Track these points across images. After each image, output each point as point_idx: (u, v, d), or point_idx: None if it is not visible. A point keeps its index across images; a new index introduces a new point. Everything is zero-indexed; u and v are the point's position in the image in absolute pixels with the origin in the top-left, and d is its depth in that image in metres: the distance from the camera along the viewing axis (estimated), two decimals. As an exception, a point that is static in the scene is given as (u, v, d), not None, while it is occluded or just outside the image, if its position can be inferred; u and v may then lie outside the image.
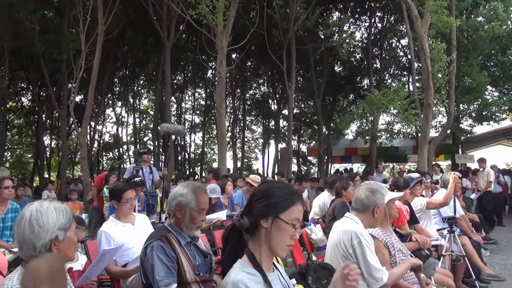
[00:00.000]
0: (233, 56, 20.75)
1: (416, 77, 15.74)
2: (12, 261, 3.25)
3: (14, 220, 4.42)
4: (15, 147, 31.12)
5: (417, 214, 5.23)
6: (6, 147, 26.12)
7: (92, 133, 25.97)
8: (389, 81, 23.47)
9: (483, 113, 17.82)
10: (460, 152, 18.46)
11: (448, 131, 16.54)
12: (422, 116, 12.90)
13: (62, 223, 1.84)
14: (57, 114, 22.83)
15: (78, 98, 21.03)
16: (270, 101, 28.83)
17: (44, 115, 24.20)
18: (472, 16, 16.20)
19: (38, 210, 1.81)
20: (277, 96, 27.44)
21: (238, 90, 28.76)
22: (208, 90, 28.51)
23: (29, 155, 32.04)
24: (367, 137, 19.79)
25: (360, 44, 23.21)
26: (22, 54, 18.47)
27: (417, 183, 5.30)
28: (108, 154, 33.44)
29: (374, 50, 22.57)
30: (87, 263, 3.21)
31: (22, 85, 25.33)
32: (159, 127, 12.60)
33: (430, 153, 12.95)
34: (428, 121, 12.15)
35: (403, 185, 4.92)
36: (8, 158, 30.01)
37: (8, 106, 22.88)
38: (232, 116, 28.21)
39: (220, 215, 5.36)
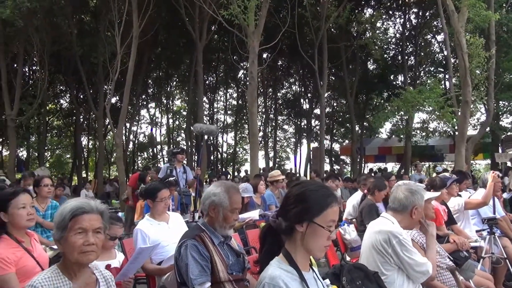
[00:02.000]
0: (265, 55, 20.71)
1: (453, 74, 15.26)
2: (52, 258, 3.35)
3: (53, 217, 4.54)
4: (55, 147, 32.23)
5: (455, 215, 5.07)
6: (46, 148, 27.13)
7: (127, 133, 26.50)
8: (424, 78, 22.87)
9: (525, 110, 17.21)
10: (500, 151, 17.80)
11: (487, 129, 15.97)
12: (459, 113, 12.51)
13: (57, 222, 1.87)
14: (94, 116, 23.42)
15: (113, 100, 21.57)
16: (302, 100, 28.58)
17: (81, 117, 24.95)
18: (512, 9, 15.58)
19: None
20: (309, 95, 27.22)
21: (270, 90, 28.70)
22: (240, 90, 28.63)
23: (68, 155, 33.15)
24: (402, 136, 19.37)
25: (393, 41, 22.73)
26: (61, 58, 19.13)
27: (453, 182, 5.15)
28: (142, 154, 34.08)
29: (408, 46, 22.05)
30: (124, 261, 3.28)
31: (61, 87, 26.19)
32: (192, 127, 12.75)
33: (468, 152, 12.53)
34: (466, 119, 11.74)
35: (440, 184, 4.79)
36: (48, 158, 31.14)
37: (47, 108, 23.69)
38: (264, 116, 28.17)
39: (252, 214, 5.37)
